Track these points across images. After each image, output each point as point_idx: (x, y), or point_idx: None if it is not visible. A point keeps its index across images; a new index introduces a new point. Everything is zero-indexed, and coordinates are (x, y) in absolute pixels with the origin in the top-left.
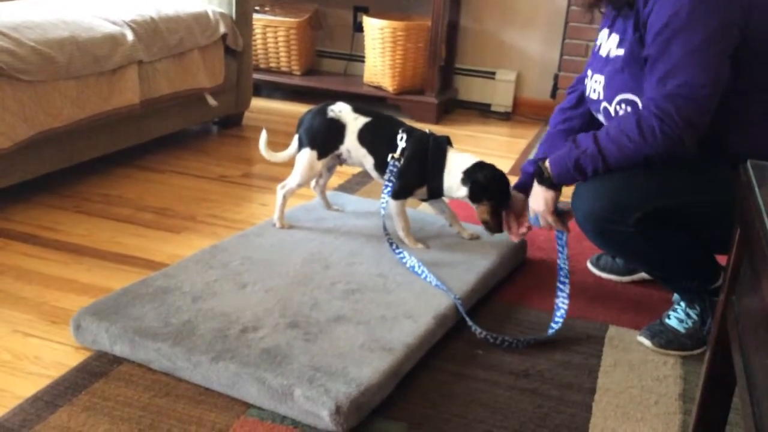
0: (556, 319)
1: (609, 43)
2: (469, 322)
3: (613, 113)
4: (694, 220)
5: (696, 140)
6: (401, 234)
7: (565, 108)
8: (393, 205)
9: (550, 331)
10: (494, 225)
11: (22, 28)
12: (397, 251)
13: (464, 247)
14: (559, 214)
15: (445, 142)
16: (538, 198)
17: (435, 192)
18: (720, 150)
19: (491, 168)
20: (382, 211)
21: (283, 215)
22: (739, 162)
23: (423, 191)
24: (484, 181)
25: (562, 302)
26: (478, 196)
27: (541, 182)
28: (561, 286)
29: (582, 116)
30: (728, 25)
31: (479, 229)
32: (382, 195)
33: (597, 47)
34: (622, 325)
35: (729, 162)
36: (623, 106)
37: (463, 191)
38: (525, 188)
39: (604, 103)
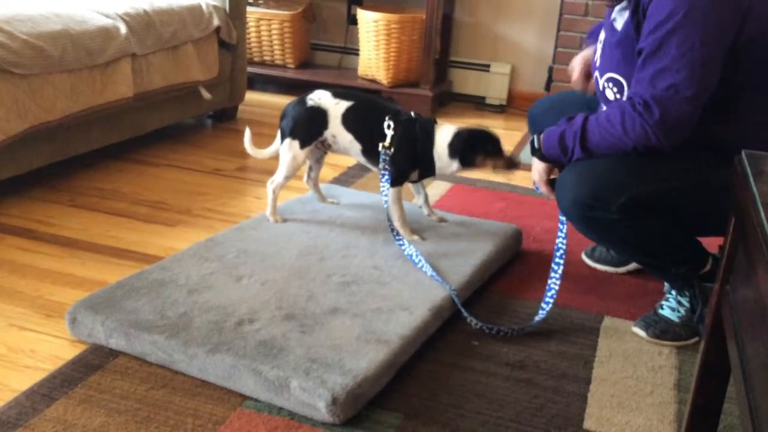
0: (547, 299)
1: (619, 14)
2: (465, 314)
3: (601, 87)
4: (677, 206)
5: (676, 143)
6: (396, 224)
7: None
8: (390, 192)
9: (541, 312)
10: (507, 166)
11: (15, 21)
12: (397, 238)
13: (459, 239)
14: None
15: (430, 123)
16: (534, 169)
17: (426, 173)
18: (713, 145)
19: (467, 130)
20: (384, 199)
21: (275, 210)
22: (731, 155)
23: (416, 174)
24: (464, 144)
25: (554, 283)
26: (469, 159)
27: (533, 153)
28: (555, 267)
29: None
30: (725, 28)
31: (466, 219)
32: (381, 183)
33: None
34: (617, 316)
35: (718, 153)
36: (610, 85)
37: (455, 164)
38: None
39: (597, 73)
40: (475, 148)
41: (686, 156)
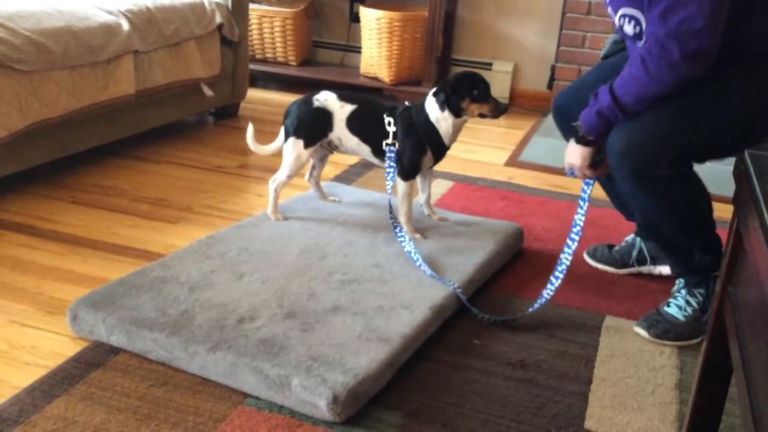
0: (557, 273)
1: None
2: (468, 305)
3: (618, 24)
4: (723, 148)
5: (703, 70)
6: (402, 219)
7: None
8: (402, 186)
9: (550, 285)
10: (494, 108)
11: (17, 17)
12: (399, 235)
13: (461, 238)
14: (594, 164)
15: (422, 103)
16: (575, 154)
17: (438, 149)
18: (742, 44)
19: (449, 78)
20: (388, 196)
21: (276, 208)
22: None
23: (429, 157)
24: (448, 89)
25: (566, 258)
26: (456, 104)
27: (579, 141)
28: (569, 243)
29: None
30: None
31: (467, 218)
32: (387, 181)
33: None
34: (619, 316)
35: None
36: (627, 20)
37: (446, 114)
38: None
39: (610, 9)
40: (458, 92)
41: (727, 93)
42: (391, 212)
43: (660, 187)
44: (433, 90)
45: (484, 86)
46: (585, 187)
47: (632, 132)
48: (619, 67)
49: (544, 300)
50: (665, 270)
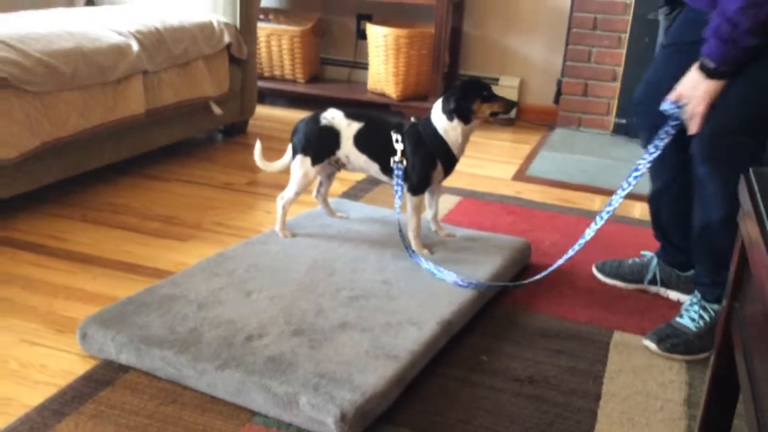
0: (602, 214)
1: None
2: (506, 285)
3: None
4: None
5: None
6: (410, 235)
7: None
8: (411, 201)
9: (599, 219)
10: (505, 107)
11: (28, 39)
12: (413, 255)
13: (468, 253)
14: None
15: (428, 117)
16: (701, 87)
17: (448, 161)
18: None
19: (453, 86)
20: (396, 214)
21: (284, 225)
22: None
23: (439, 170)
24: (456, 99)
25: (617, 200)
26: (466, 110)
27: (712, 75)
28: (624, 185)
29: None
30: None
31: (475, 234)
32: (396, 200)
33: None
34: (627, 331)
35: None
36: None
37: (455, 123)
38: None
39: None
40: (467, 97)
41: None
42: (401, 231)
43: (735, 158)
44: (440, 101)
45: (489, 87)
46: (669, 128)
47: (718, 114)
48: (685, 56)
49: (588, 235)
50: (673, 295)
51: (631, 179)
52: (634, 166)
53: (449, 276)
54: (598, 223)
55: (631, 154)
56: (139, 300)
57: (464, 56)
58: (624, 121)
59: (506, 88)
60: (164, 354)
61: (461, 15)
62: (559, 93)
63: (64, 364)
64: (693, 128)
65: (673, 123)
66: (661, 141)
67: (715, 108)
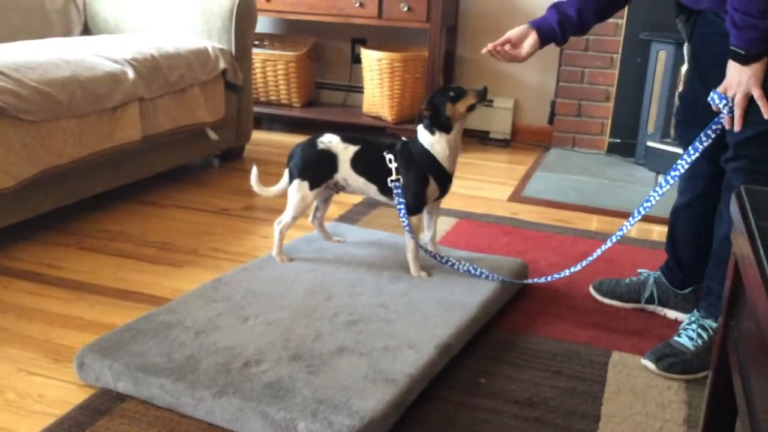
0: (640, 209)
1: None
2: (518, 281)
3: None
4: None
5: None
6: (409, 256)
7: None
8: (409, 222)
9: (637, 213)
10: (477, 94)
11: (24, 68)
12: (443, 260)
13: (466, 275)
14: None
15: (416, 136)
16: (745, 76)
17: (442, 178)
18: None
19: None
20: (407, 233)
21: (281, 250)
22: None
23: (434, 188)
24: (429, 108)
25: (654, 197)
26: (442, 117)
27: (747, 60)
28: (667, 178)
29: None
30: None
31: (472, 255)
32: (401, 218)
33: None
34: (626, 351)
35: None
36: None
37: (437, 135)
38: (539, 27)
39: None
40: (435, 106)
41: None
42: (421, 247)
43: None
44: (417, 119)
45: (455, 87)
46: (710, 132)
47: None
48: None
49: (629, 228)
50: (671, 314)
51: (669, 178)
52: (632, 184)
53: (481, 270)
54: (636, 217)
55: (626, 173)
56: (135, 327)
57: (458, 79)
58: (618, 140)
59: (501, 109)
60: (161, 382)
61: (455, 38)
62: (553, 114)
63: (62, 393)
64: (737, 123)
65: (715, 127)
66: (702, 143)
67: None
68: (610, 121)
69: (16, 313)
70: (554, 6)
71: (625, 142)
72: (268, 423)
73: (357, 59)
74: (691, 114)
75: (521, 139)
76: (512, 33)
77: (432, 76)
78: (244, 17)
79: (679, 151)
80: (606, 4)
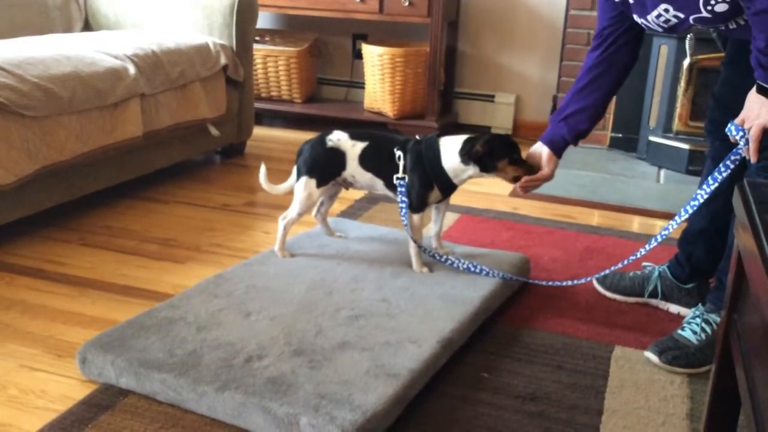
0: (687, 207)
1: None
2: (526, 280)
3: (654, 18)
4: None
5: None
6: (412, 251)
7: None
8: (412, 220)
9: (684, 212)
10: (527, 172)
11: (25, 64)
12: (443, 259)
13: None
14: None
15: (433, 139)
16: (765, 108)
17: (446, 187)
18: None
19: (482, 136)
20: (406, 230)
21: (284, 245)
22: None
23: (437, 193)
24: (483, 148)
25: (701, 194)
26: (488, 163)
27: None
28: (687, 208)
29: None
30: None
31: (474, 250)
32: (402, 217)
33: None
34: (628, 345)
35: None
36: (667, 11)
37: (470, 169)
38: (551, 142)
39: (690, 17)
40: (495, 153)
41: None
42: (420, 246)
43: None
44: (459, 140)
45: (518, 149)
46: (729, 162)
47: None
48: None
49: (649, 247)
50: (674, 308)
51: (688, 207)
52: (634, 179)
53: (485, 269)
54: (652, 244)
55: (628, 168)
56: (138, 323)
57: (460, 74)
58: (620, 135)
59: (502, 104)
60: (164, 377)
61: (456, 33)
62: (555, 109)
63: (64, 389)
64: (752, 157)
65: (734, 158)
66: (721, 174)
67: None
68: (611, 116)
69: (18, 310)
70: (563, 120)
71: (627, 137)
72: (271, 418)
73: (358, 54)
74: (723, 113)
75: (523, 134)
76: (528, 157)
77: (433, 71)
78: (245, 13)
79: (681, 145)
80: (615, 84)
